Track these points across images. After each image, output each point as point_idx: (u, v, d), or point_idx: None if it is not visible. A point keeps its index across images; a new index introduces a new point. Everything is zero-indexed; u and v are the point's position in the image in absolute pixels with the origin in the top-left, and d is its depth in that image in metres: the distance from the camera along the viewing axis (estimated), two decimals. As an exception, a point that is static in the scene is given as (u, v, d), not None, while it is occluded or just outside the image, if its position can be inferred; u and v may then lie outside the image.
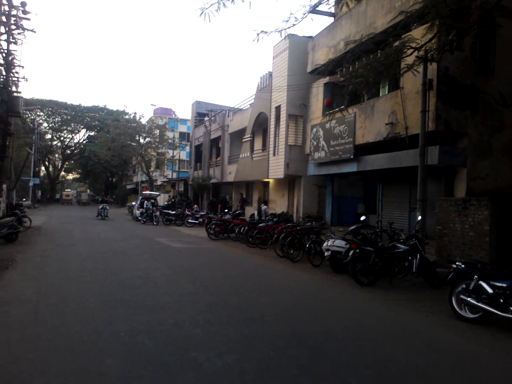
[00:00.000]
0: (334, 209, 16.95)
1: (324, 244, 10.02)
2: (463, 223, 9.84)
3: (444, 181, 11.57)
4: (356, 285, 8.44)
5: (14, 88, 18.99)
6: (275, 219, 15.57)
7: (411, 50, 9.36)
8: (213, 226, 16.92)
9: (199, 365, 4.20)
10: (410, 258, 8.69)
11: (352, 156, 13.87)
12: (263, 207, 16.93)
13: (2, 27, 17.02)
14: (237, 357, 4.45)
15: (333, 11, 16.50)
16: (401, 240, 9.34)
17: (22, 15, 17.58)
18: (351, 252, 8.78)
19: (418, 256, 8.62)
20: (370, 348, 4.90)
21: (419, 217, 10.14)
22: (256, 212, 17.28)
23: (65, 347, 4.61)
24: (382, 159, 12.81)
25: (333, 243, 9.67)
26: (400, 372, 4.27)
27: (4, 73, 17.92)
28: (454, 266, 6.70)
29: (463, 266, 6.58)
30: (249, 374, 4.04)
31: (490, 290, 5.97)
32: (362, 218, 11.54)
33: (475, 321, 6.11)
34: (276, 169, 19.18)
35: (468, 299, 6.19)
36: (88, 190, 72.70)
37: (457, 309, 6.39)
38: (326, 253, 9.91)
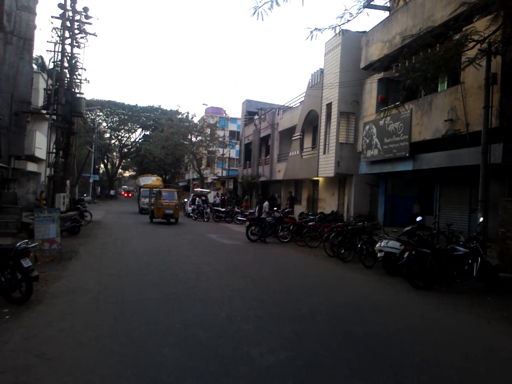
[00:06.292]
0: (387, 209, 16.47)
1: (377, 245, 9.77)
2: (530, 226, 9.20)
3: (508, 181, 10.90)
4: (411, 288, 8.15)
5: (76, 90, 20.16)
6: (316, 217, 15.21)
7: (473, 43, 8.90)
8: (263, 224, 16.98)
9: (252, 360, 4.26)
10: (470, 261, 8.25)
11: (407, 154, 13.41)
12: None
13: (67, 32, 18.09)
14: (289, 354, 4.46)
15: (388, 5, 16.04)
16: (461, 243, 8.90)
17: (84, 20, 18.58)
18: (406, 253, 8.47)
19: (479, 260, 8.15)
20: (426, 353, 4.72)
21: (481, 219, 9.60)
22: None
23: (124, 336, 4.85)
24: (440, 157, 12.27)
25: (387, 244, 9.42)
26: (458, 379, 4.08)
27: (68, 75, 19.04)
28: (520, 271, 6.31)
29: (530, 271, 6.18)
30: (301, 372, 4.04)
31: (561, 299, 5.56)
32: (419, 218, 11.10)
33: (543, 331, 5.72)
34: (326, 167, 18.93)
35: (536, 307, 5.80)
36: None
37: (523, 317, 6.02)
38: (379, 254, 9.66)
